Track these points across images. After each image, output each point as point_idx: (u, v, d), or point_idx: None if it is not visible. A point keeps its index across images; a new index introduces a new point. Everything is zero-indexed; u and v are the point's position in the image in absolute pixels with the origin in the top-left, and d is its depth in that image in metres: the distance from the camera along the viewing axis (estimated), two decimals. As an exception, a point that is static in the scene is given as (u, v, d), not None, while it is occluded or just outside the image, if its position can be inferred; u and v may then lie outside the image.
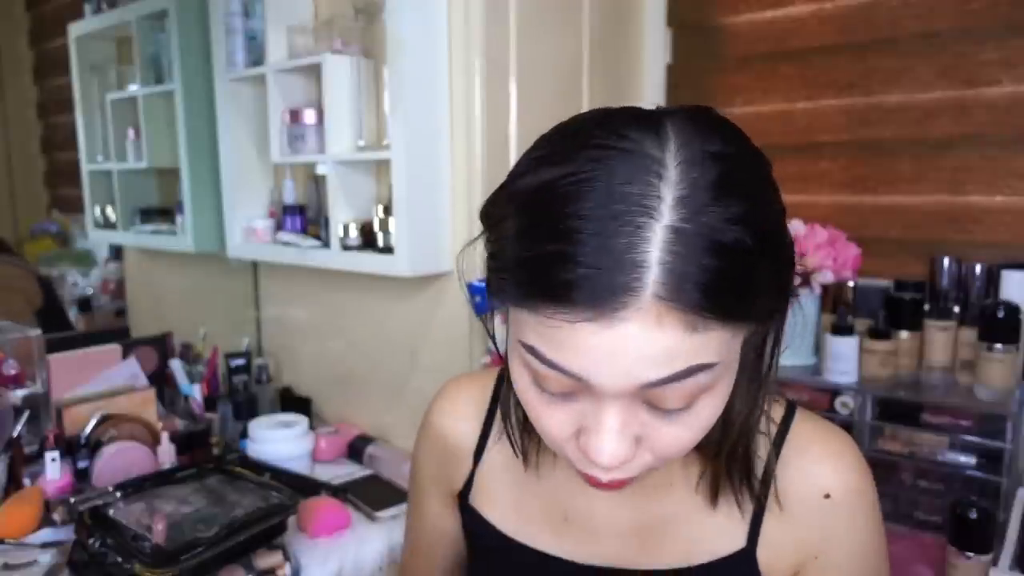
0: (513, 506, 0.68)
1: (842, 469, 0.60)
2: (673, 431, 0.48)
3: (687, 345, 0.42)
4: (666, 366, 0.43)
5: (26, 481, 1.32)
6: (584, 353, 0.43)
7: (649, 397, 0.46)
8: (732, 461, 0.59)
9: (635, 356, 0.43)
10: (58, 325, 1.96)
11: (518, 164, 0.49)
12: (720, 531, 0.61)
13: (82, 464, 1.35)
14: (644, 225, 0.41)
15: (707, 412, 0.48)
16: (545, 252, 0.43)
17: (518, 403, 0.64)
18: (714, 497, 0.61)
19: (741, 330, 0.46)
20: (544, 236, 0.43)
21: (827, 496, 0.59)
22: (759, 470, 0.60)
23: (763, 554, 0.61)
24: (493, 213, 0.49)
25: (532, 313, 0.45)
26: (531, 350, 0.46)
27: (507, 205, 0.47)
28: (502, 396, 0.68)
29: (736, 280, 0.42)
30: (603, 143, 0.44)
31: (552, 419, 0.49)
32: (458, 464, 0.72)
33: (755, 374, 0.55)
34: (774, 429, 0.61)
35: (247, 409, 1.70)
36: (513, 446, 0.66)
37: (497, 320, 0.67)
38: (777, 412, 0.62)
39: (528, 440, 0.66)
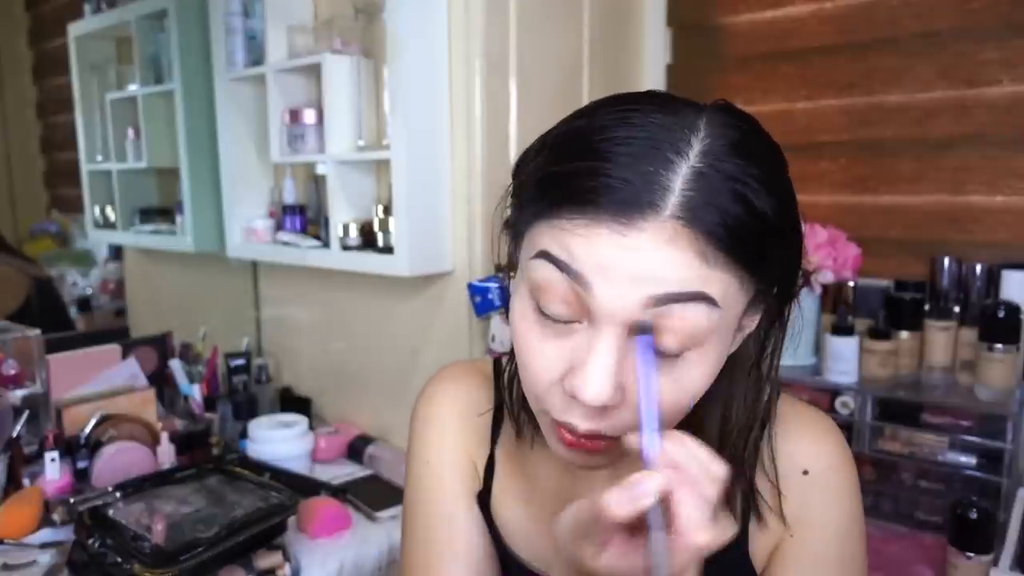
0: (517, 504, 0.68)
1: (822, 448, 0.61)
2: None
3: (696, 272, 0.45)
4: (673, 283, 0.45)
5: (26, 481, 1.32)
6: (597, 258, 0.45)
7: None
8: (736, 454, 0.59)
9: (645, 266, 0.45)
10: (59, 325, 1.96)
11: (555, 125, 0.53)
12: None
13: (82, 464, 1.35)
14: (674, 160, 0.45)
15: (692, 375, 0.49)
16: (579, 165, 0.47)
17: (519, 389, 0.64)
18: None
19: (746, 286, 0.48)
20: (578, 153, 0.47)
21: (805, 472, 0.61)
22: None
23: (753, 536, 0.61)
24: (524, 160, 0.54)
25: (554, 220, 0.47)
26: (545, 255, 0.48)
27: (541, 146, 0.52)
28: (507, 376, 0.67)
29: (748, 225, 0.46)
30: (644, 99, 0.49)
31: (543, 356, 0.50)
32: (480, 441, 0.69)
33: (757, 370, 0.56)
34: (760, 426, 0.61)
35: (247, 409, 1.70)
36: (515, 421, 0.65)
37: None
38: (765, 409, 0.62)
39: (527, 423, 0.65)
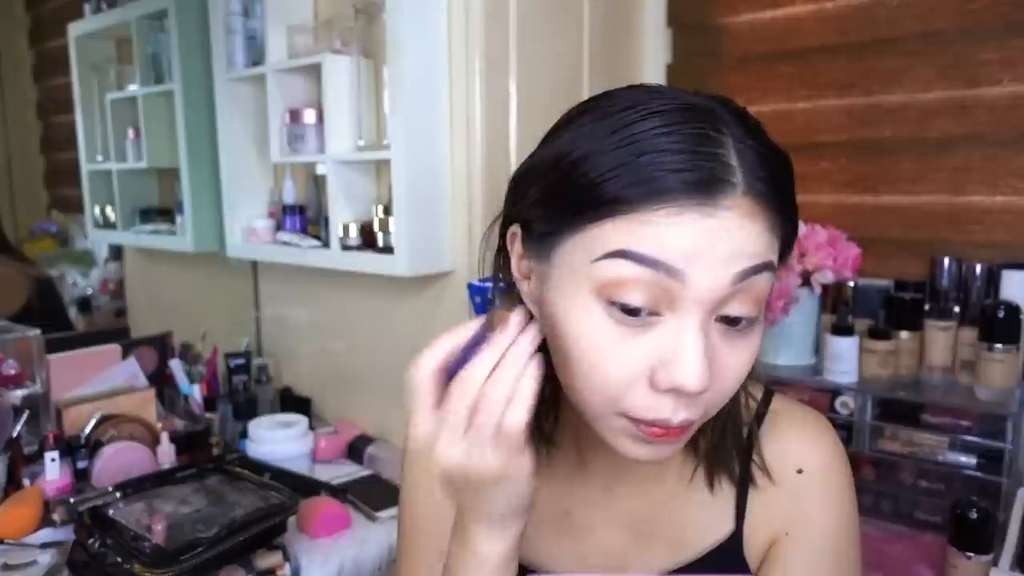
0: None
1: (816, 447, 0.62)
2: (732, 360, 0.49)
3: (766, 243, 0.48)
4: (755, 256, 0.47)
5: (26, 481, 1.32)
6: (688, 244, 0.45)
7: (725, 307, 0.48)
8: (722, 443, 0.60)
9: (734, 245, 0.46)
10: (59, 327, 1.96)
11: (552, 134, 0.53)
12: (710, 517, 0.63)
13: (82, 464, 1.35)
14: (722, 139, 0.47)
15: (755, 341, 0.51)
16: (644, 155, 0.46)
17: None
18: (709, 483, 0.62)
19: (778, 250, 0.50)
20: (633, 146, 0.46)
21: (800, 471, 0.61)
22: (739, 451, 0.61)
23: (748, 535, 0.62)
24: (545, 169, 0.51)
25: (630, 215, 0.46)
26: (622, 254, 0.46)
27: (562, 152, 0.50)
28: None
29: (782, 191, 0.49)
30: (656, 88, 0.51)
31: (623, 357, 0.48)
32: None
33: None
34: (753, 410, 0.62)
35: (247, 409, 1.70)
36: None
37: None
38: (756, 394, 0.64)
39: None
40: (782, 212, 0.49)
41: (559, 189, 0.50)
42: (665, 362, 0.47)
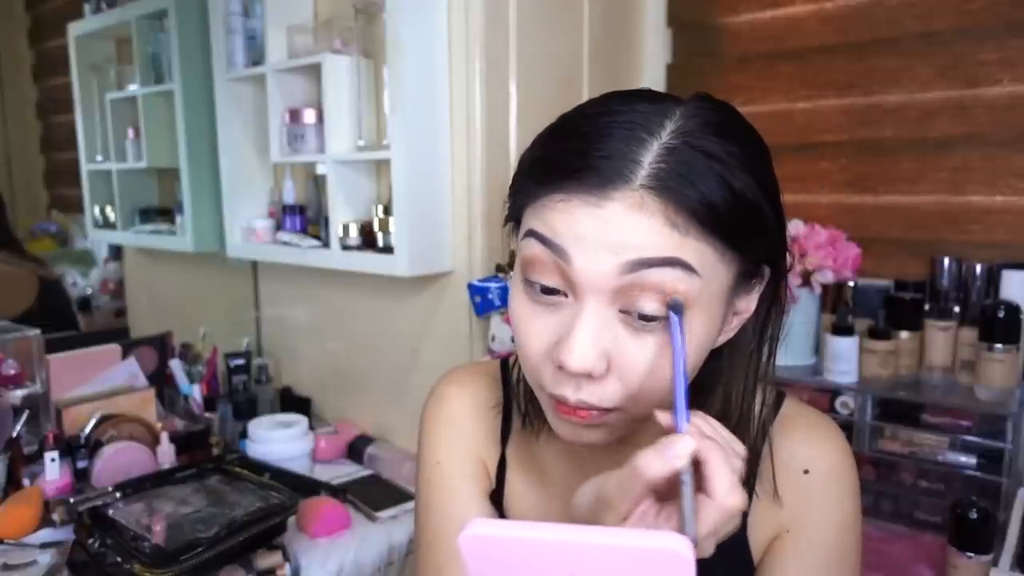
0: (530, 501, 0.68)
1: (824, 450, 0.63)
2: (640, 353, 0.50)
3: (667, 238, 0.47)
4: (644, 249, 0.47)
5: (25, 481, 1.32)
6: (574, 229, 0.49)
7: (626, 300, 0.49)
8: None
9: (616, 234, 0.47)
10: (65, 326, 1.96)
11: None
12: None
13: (82, 464, 1.35)
14: (646, 139, 0.48)
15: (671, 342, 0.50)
16: (559, 147, 0.51)
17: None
18: None
19: (728, 260, 0.50)
20: (560, 138, 0.52)
21: (806, 472, 0.62)
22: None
23: (752, 531, 0.62)
24: (521, 156, 0.57)
25: (539, 200, 0.51)
26: (531, 232, 0.52)
27: (533, 140, 0.56)
28: (515, 369, 0.68)
29: (721, 198, 0.48)
30: (631, 93, 0.53)
31: (534, 330, 0.52)
32: (491, 441, 0.70)
33: (754, 360, 0.58)
34: (763, 412, 0.62)
35: (247, 409, 1.70)
36: (522, 412, 0.66)
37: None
38: (768, 398, 0.64)
39: (534, 415, 0.65)
40: (708, 218, 0.47)
41: (515, 178, 0.55)
42: (561, 339, 0.50)
